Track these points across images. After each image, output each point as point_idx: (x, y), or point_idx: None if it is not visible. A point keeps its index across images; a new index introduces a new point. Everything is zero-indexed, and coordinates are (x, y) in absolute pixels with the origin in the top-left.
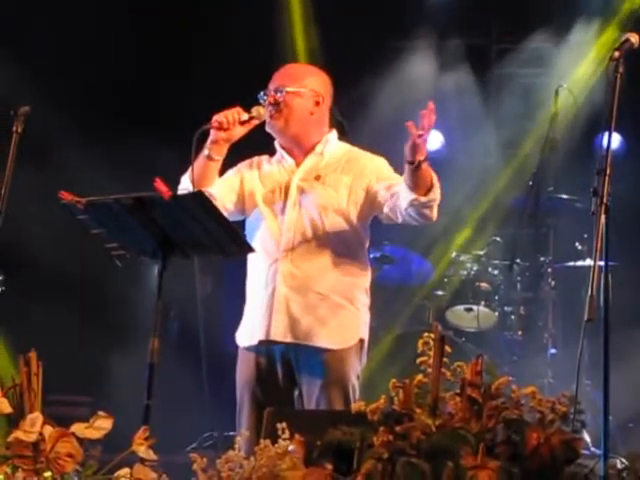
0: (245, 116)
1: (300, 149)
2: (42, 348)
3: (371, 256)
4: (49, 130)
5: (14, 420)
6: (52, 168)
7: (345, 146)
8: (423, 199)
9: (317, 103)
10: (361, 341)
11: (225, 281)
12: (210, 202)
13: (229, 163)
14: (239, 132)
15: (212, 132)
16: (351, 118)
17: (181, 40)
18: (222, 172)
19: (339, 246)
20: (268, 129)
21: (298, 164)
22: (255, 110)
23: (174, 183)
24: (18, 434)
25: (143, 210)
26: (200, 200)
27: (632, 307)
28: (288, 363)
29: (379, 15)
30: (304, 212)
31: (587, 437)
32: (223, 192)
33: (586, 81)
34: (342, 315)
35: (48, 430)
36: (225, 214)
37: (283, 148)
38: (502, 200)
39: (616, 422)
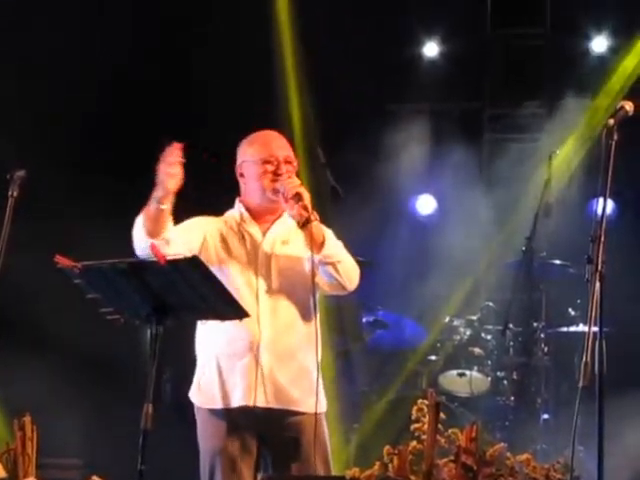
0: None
1: (271, 215)
2: (34, 410)
3: (364, 320)
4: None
5: None
6: (49, 226)
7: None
8: (316, 256)
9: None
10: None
11: None
12: (205, 267)
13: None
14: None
15: (160, 186)
16: (345, 182)
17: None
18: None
19: (307, 311)
20: (272, 196)
21: (264, 231)
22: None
23: None
24: None
25: (138, 275)
26: (195, 265)
27: (624, 374)
28: (265, 424)
29: (371, 79)
30: (276, 276)
31: None
32: (181, 240)
33: (579, 147)
34: (315, 382)
35: None
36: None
37: (249, 211)
38: (495, 265)
39: None
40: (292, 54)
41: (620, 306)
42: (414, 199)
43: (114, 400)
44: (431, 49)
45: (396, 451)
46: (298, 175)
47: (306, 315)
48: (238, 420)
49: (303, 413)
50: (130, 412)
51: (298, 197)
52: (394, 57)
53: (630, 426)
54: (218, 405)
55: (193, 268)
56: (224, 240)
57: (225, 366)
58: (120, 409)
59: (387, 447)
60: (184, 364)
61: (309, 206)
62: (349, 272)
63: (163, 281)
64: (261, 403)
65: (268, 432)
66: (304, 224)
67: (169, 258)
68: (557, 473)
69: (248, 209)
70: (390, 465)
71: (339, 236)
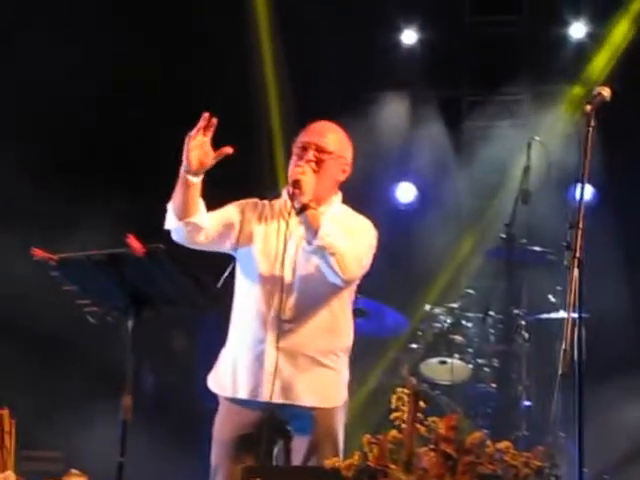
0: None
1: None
2: (12, 403)
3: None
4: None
5: None
6: (26, 222)
7: (347, 210)
8: (307, 248)
9: (344, 170)
10: (345, 401)
11: (200, 334)
12: (181, 258)
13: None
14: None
15: (184, 158)
16: None
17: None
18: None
19: (328, 307)
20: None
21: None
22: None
23: (148, 237)
24: None
25: (115, 266)
26: (172, 256)
27: (606, 359)
28: (275, 419)
29: (350, 66)
30: (299, 270)
31: None
32: (214, 222)
33: (558, 133)
34: (330, 376)
35: None
36: (206, 241)
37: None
38: (475, 252)
39: (591, 474)
40: (270, 43)
41: (600, 293)
42: (394, 187)
43: (92, 391)
44: (409, 36)
45: (376, 440)
46: (321, 163)
47: (322, 308)
48: (247, 411)
49: (313, 408)
50: (109, 404)
51: (296, 183)
52: (372, 45)
53: (611, 411)
54: (223, 392)
55: (170, 259)
56: (261, 225)
57: (237, 358)
58: (99, 401)
59: (367, 436)
60: (164, 356)
61: (307, 194)
62: (344, 263)
63: (141, 272)
64: (266, 398)
65: (278, 426)
66: (300, 211)
67: (146, 249)
68: (537, 460)
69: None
70: (370, 454)
71: None
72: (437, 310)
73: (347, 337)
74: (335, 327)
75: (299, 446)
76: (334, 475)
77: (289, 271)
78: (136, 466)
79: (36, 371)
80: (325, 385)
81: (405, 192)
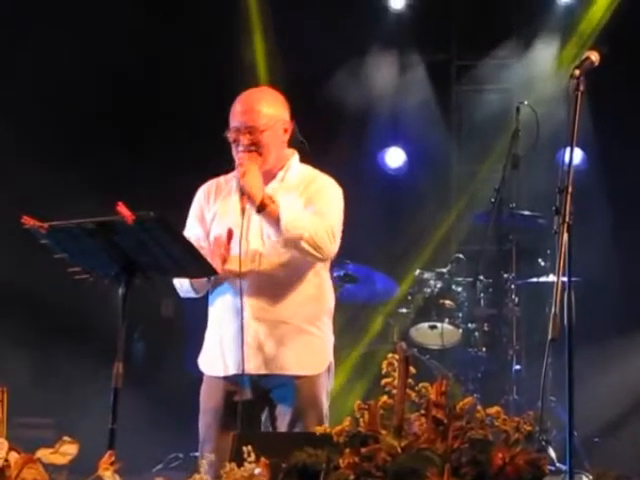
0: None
1: (263, 176)
2: (4, 370)
3: (334, 275)
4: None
5: None
6: (15, 187)
7: (305, 170)
8: (277, 241)
9: (285, 130)
10: (329, 364)
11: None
12: (172, 226)
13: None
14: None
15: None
16: (312, 137)
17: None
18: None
19: (301, 272)
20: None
21: None
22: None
23: (139, 204)
24: None
25: (105, 234)
26: (163, 223)
27: (595, 323)
28: (259, 389)
29: (338, 32)
30: (265, 240)
31: (552, 453)
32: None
33: (547, 97)
34: (312, 342)
35: (14, 456)
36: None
37: None
38: (464, 217)
39: (581, 437)
40: (258, 9)
41: (589, 257)
42: (383, 152)
43: (83, 358)
44: (397, 1)
45: (366, 406)
46: (260, 142)
47: (297, 276)
48: (233, 387)
49: (296, 377)
50: (100, 370)
51: (242, 191)
52: (360, 10)
53: (600, 375)
54: (215, 372)
55: (161, 227)
56: (219, 204)
57: (219, 334)
58: (90, 367)
59: (357, 402)
60: (155, 323)
61: (257, 195)
62: (317, 245)
63: (131, 240)
64: (251, 371)
65: (263, 398)
66: (258, 211)
67: (136, 217)
68: (527, 425)
69: None
70: (361, 420)
71: None
72: (427, 275)
73: (330, 301)
74: (317, 293)
75: (283, 414)
76: (325, 441)
77: (259, 242)
78: (127, 433)
79: (29, 338)
80: (309, 353)
81: (394, 157)
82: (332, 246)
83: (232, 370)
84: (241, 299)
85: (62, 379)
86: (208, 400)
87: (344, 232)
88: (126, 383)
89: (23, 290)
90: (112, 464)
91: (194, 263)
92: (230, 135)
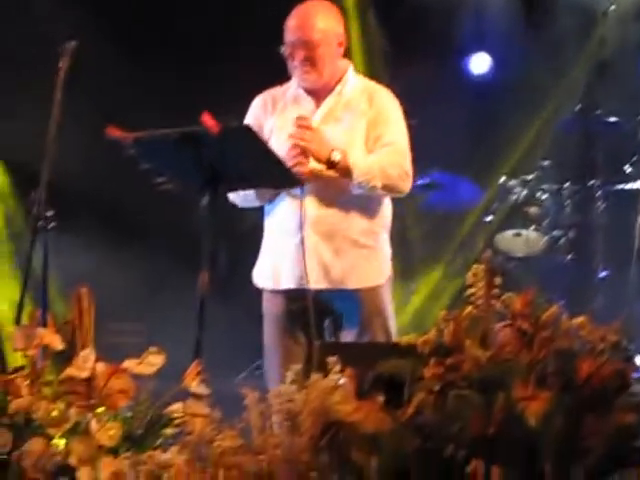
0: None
1: (321, 90)
2: (94, 279)
3: (419, 183)
4: (95, 61)
5: (67, 357)
6: (100, 100)
7: (362, 82)
8: (354, 190)
9: (340, 44)
10: (389, 277)
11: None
12: (258, 136)
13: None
14: None
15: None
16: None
17: None
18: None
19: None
20: (301, 84)
21: (317, 104)
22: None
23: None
24: (71, 371)
25: (191, 145)
26: (248, 134)
27: None
28: (321, 302)
29: None
30: None
31: (639, 360)
32: None
33: (634, 2)
34: (370, 255)
35: (101, 367)
36: None
37: (303, 89)
38: (551, 123)
39: None
40: None
41: None
42: (467, 57)
43: (171, 267)
44: None
45: (451, 317)
46: (315, 57)
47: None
48: (293, 299)
49: (358, 289)
50: (186, 279)
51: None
52: None
53: None
54: (271, 285)
55: (246, 137)
56: (274, 116)
57: (276, 247)
58: (176, 276)
59: (442, 312)
60: (241, 235)
61: (323, 157)
62: (391, 189)
63: (216, 151)
64: (312, 285)
65: (324, 309)
66: (328, 166)
67: (221, 127)
68: (613, 335)
69: (302, 88)
70: (445, 331)
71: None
72: (512, 182)
73: (386, 214)
74: (373, 206)
75: (349, 327)
76: (410, 351)
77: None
78: (213, 339)
79: (119, 247)
80: (369, 265)
81: (479, 62)
82: (407, 184)
83: (292, 284)
84: (302, 212)
85: (150, 286)
86: (270, 312)
87: (428, 140)
88: (212, 288)
89: (108, 200)
90: (198, 374)
91: (279, 173)
92: (285, 49)
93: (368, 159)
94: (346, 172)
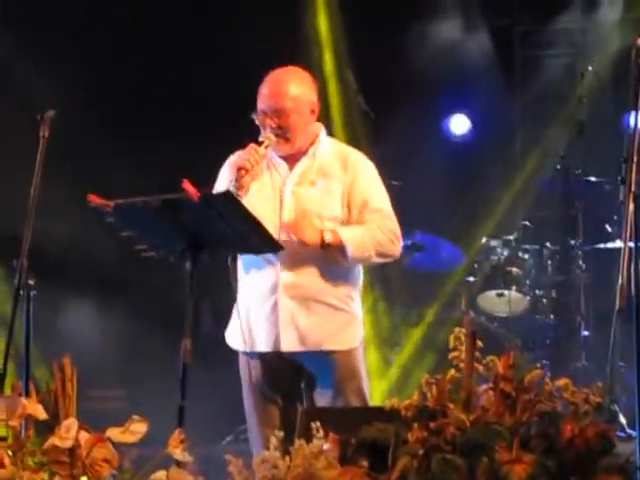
0: (262, 150)
1: (295, 154)
2: (76, 345)
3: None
4: (76, 130)
5: (49, 426)
6: (80, 168)
7: (335, 146)
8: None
9: (312, 111)
10: (362, 339)
11: None
12: (238, 201)
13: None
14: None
15: (236, 177)
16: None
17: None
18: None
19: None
20: (273, 151)
21: (290, 168)
22: (267, 139)
23: (203, 182)
24: (54, 440)
25: (171, 212)
26: (229, 200)
27: None
28: (296, 363)
29: None
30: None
31: (623, 419)
32: None
33: (612, 61)
34: (346, 320)
35: (84, 436)
36: None
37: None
38: (530, 184)
39: None
40: None
41: None
42: (447, 119)
43: (154, 332)
44: None
45: (434, 380)
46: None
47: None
48: (269, 363)
49: (333, 351)
50: (168, 344)
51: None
52: None
53: None
54: (246, 348)
55: (227, 203)
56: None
57: (250, 310)
58: (160, 341)
59: (425, 376)
60: (225, 295)
61: (315, 242)
62: (385, 255)
63: (197, 217)
64: (285, 348)
65: (298, 371)
66: (321, 247)
67: (202, 194)
68: (596, 396)
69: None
70: (429, 394)
71: (372, 159)
72: (493, 242)
73: (359, 277)
74: (346, 270)
75: (323, 389)
76: (393, 416)
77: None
78: (197, 404)
79: (99, 311)
80: (343, 329)
81: (459, 124)
82: (398, 247)
83: (267, 348)
84: (277, 276)
85: (132, 352)
86: (245, 374)
87: (410, 201)
88: (197, 351)
89: (92, 265)
90: (182, 442)
91: (260, 238)
92: (257, 117)
93: (357, 231)
94: (340, 249)
